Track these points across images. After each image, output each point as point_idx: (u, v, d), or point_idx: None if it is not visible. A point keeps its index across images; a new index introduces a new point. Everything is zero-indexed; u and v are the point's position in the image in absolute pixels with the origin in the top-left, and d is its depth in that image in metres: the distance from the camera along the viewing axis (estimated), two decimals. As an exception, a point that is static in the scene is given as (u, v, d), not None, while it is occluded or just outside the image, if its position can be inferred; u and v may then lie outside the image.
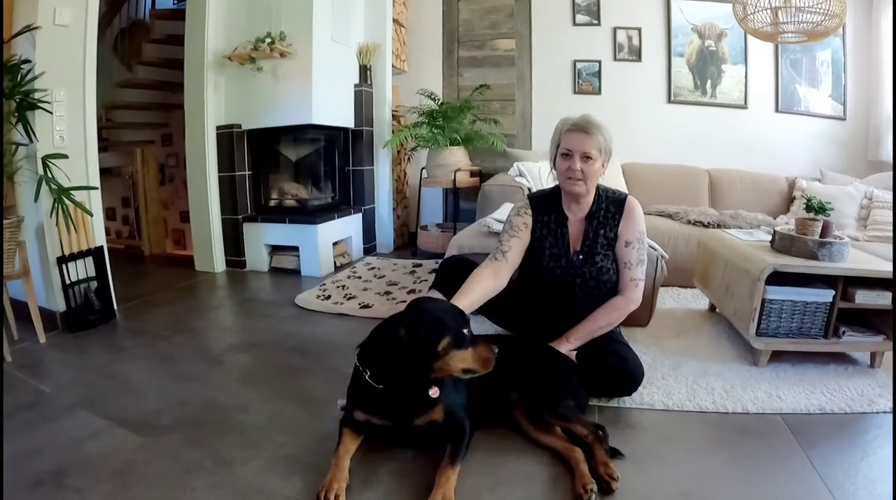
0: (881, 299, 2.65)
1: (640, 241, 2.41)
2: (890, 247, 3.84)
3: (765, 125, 5.72)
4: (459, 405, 1.92)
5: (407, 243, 6.13)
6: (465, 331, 1.84)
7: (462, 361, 1.81)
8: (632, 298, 2.40)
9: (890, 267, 2.67)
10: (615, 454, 1.89)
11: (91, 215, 3.26)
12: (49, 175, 2.97)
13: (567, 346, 2.33)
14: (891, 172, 4.88)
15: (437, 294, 2.44)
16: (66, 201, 3.03)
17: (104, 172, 3.87)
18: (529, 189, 4.20)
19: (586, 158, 2.29)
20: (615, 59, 5.76)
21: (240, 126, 4.62)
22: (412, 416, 1.85)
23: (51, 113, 3.04)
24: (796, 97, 5.69)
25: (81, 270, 3.27)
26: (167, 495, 1.70)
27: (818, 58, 5.63)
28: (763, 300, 2.67)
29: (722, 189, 5.21)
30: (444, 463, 1.72)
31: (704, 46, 5.69)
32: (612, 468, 1.79)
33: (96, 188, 3.35)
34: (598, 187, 2.45)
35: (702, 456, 1.98)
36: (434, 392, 1.83)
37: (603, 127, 2.32)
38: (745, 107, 5.74)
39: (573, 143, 2.29)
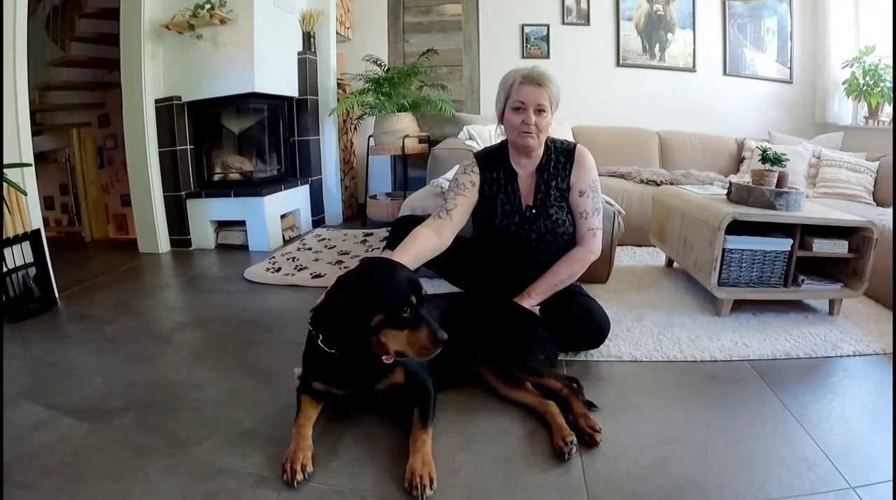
0: (838, 247, 2.72)
1: (593, 189, 2.38)
2: (840, 202, 3.95)
3: (713, 88, 5.79)
4: (420, 366, 1.83)
5: (356, 214, 6.05)
6: (407, 309, 1.63)
7: (395, 342, 1.64)
8: (591, 247, 2.36)
9: (845, 217, 2.73)
10: (590, 406, 1.86)
11: (25, 194, 3.04)
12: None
13: (529, 301, 2.28)
14: (838, 133, 5.00)
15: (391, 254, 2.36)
16: (-1, 181, 2.83)
17: (39, 157, 3.66)
18: (479, 151, 4.19)
19: (539, 110, 2.24)
20: (563, 23, 5.73)
21: (180, 98, 4.42)
22: (371, 382, 1.77)
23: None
24: (744, 61, 5.77)
25: (18, 256, 3.06)
26: (118, 482, 1.58)
27: (764, 25, 5.71)
28: (723, 250, 2.69)
29: (672, 150, 5.27)
30: (415, 428, 1.65)
31: (653, 10, 5.70)
32: (593, 419, 1.75)
33: (30, 165, 3.14)
34: (546, 139, 2.40)
35: (676, 403, 1.99)
36: (388, 359, 1.71)
37: (553, 78, 2.28)
38: (693, 70, 5.79)
39: (527, 96, 2.24)
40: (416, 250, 2.14)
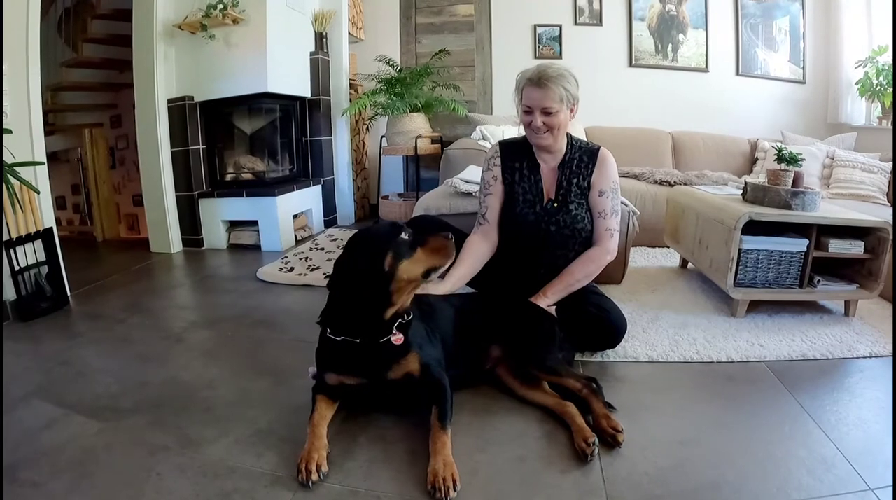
0: (853, 247, 2.70)
1: (613, 191, 2.40)
2: (854, 202, 3.92)
3: (726, 88, 5.76)
4: (436, 361, 1.83)
5: (368, 215, 6.05)
6: (405, 236, 1.73)
7: (417, 264, 1.71)
8: (607, 248, 2.37)
9: (861, 217, 2.71)
10: (607, 407, 1.84)
11: (38, 193, 3.05)
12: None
13: (545, 301, 2.27)
14: (851, 134, 4.96)
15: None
16: (12, 179, 2.82)
17: (51, 157, 3.66)
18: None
19: (546, 112, 2.25)
20: (576, 23, 5.71)
21: (192, 98, 4.43)
22: (384, 369, 1.75)
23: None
24: (756, 61, 5.74)
25: (31, 254, 3.07)
26: (130, 481, 1.57)
27: (776, 25, 5.68)
28: (739, 250, 2.67)
29: (685, 151, 5.25)
30: (434, 429, 1.63)
31: (665, 11, 5.68)
32: (615, 420, 1.74)
33: (43, 164, 3.14)
34: (570, 137, 2.43)
35: (693, 404, 1.98)
36: (397, 339, 1.73)
37: (561, 76, 2.26)
38: (706, 70, 5.76)
39: (531, 99, 2.27)
40: (474, 256, 2.37)
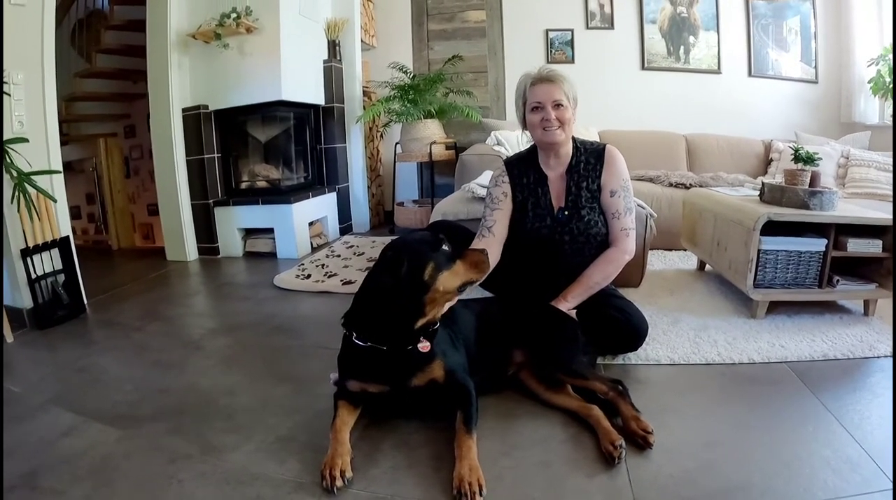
0: (872, 246, 2.66)
1: (624, 189, 2.36)
2: (870, 201, 3.89)
3: (738, 90, 5.75)
4: (460, 366, 1.82)
5: (383, 222, 6.07)
6: (445, 247, 1.77)
7: (455, 277, 1.75)
8: (625, 248, 2.33)
9: (880, 215, 2.68)
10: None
11: (55, 201, 3.07)
12: (8, 161, 2.79)
13: (565, 305, 2.25)
14: (865, 132, 4.92)
15: None
16: (28, 188, 2.84)
17: (66, 167, 3.69)
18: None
19: (557, 105, 2.24)
20: (587, 27, 5.73)
21: (207, 107, 4.47)
22: (408, 376, 1.74)
23: (9, 95, 2.85)
24: (768, 61, 5.73)
25: (47, 262, 3.09)
26: (151, 488, 1.57)
27: (787, 25, 5.67)
28: (758, 251, 2.65)
29: (699, 153, 5.23)
30: (459, 433, 1.62)
31: (676, 13, 5.68)
32: (645, 421, 1.71)
33: (59, 172, 3.17)
34: (574, 140, 2.40)
35: (716, 406, 1.96)
36: (424, 346, 1.72)
37: (565, 75, 2.28)
38: (718, 72, 5.76)
39: (541, 94, 2.26)
40: None
